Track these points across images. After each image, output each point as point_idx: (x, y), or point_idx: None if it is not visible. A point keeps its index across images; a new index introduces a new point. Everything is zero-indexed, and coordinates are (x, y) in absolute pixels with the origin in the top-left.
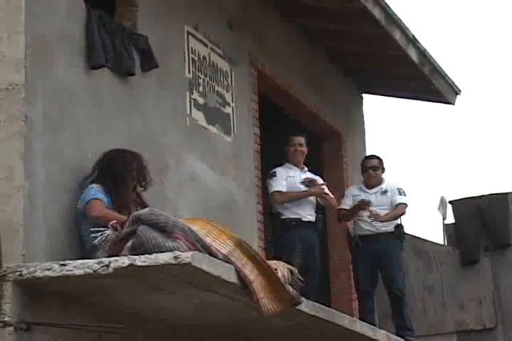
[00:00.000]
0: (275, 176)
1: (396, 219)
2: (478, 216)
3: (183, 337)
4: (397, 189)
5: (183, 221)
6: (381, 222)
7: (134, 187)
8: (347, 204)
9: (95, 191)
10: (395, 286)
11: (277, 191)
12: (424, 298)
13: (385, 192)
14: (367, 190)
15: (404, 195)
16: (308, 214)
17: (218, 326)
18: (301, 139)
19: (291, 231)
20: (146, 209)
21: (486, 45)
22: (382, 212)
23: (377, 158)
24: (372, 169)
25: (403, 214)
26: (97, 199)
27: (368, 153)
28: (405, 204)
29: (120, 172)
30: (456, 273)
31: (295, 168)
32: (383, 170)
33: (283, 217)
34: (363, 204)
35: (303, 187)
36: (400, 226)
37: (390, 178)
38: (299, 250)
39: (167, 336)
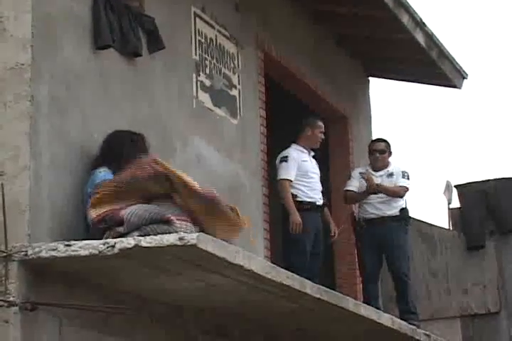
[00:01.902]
0: (286, 162)
1: (392, 196)
2: (483, 200)
3: (189, 319)
4: (402, 172)
5: None
6: (378, 191)
7: None
8: (353, 185)
9: (104, 174)
10: (399, 270)
11: (287, 179)
12: (428, 282)
13: (391, 174)
14: (373, 172)
15: (408, 178)
16: (319, 198)
17: (224, 308)
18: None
19: (306, 214)
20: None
21: (494, 30)
22: (387, 196)
23: (385, 141)
24: (379, 152)
25: (401, 196)
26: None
27: (374, 137)
28: (406, 188)
29: (124, 152)
30: (460, 257)
31: (306, 151)
32: (390, 153)
33: (299, 199)
34: (373, 187)
35: (316, 172)
36: (404, 210)
37: (396, 162)
38: (311, 233)
39: (172, 318)
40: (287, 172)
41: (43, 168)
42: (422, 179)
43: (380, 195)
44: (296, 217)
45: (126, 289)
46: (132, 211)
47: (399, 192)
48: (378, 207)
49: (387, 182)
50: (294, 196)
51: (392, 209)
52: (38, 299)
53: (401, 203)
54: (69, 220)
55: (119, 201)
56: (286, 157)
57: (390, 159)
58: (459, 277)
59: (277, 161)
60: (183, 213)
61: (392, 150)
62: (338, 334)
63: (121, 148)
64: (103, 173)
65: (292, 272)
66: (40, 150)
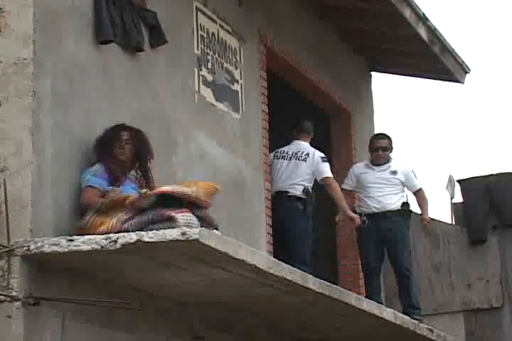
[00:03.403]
0: (327, 162)
1: (428, 206)
2: (486, 195)
3: (193, 314)
4: (412, 172)
5: None
6: (429, 220)
7: (133, 161)
8: (348, 184)
9: (91, 175)
10: (402, 265)
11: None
12: (431, 276)
13: (394, 172)
14: (373, 167)
15: (417, 176)
16: None
17: (228, 303)
18: None
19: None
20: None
21: (496, 24)
22: (390, 190)
23: (387, 137)
24: (382, 149)
25: (428, 200)
26: (90, 186)
27: (377, 132)
28: (422, 189)
29: (108, 146)
30: (463, 252)
31: None
32: (392, 149)
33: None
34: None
35: None
36: (406, 204)
37: (396, 157)
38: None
39: (176, 312)
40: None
41: (46, 163)
42: (424, 174)
43: (381, 189)
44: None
45: (129, 284)
46: (129, 223)
47: (427, 201)
48: (380, 201)
49: (389, 179)
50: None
51: (395, 203)
52: (41, 294)
53: (402, 197)
54: (71, 215)
55: (117, 212)
56: (327, 157)
57: (391, 154)
58: (462, 272)
59: (318, 159)
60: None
61: (393, 145)
62: (341, 328)
63: (106, 144)
64: (90, 175)
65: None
66: (42, 145)
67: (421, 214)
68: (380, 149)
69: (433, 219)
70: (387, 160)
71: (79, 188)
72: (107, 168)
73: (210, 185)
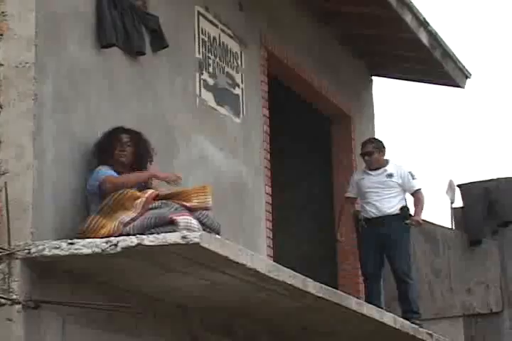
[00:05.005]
0: None
1: (423, 208)
2: (486, 198)
3: (193, 318)
4: (409, 173)
5: None
6: (420, 221)
7: (134, 163)
8: (350, 191)
9: (105, 170)
10: (400, 269)
11: None
12: (431, 281)
13: (390, 175)
14: (370, 172)
15: (416, 177)
16: None
17: (228, 306)
18: None
19: None
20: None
21: (497, 29)
22: (387, 194)
23: (372, 141)
24: (367, 155)
25: (424, 201)
26: (109, 175)
27: (377, 136)
28: (420, 190)
29: (109, 149)
30: (463, 256)
31: None
32: (382, 152)
33: None
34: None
35: None
36: (405, 208)
37: (393, 160)
38: None
39: (177, 316)
40: None
41: (47, 166)
42: (425, 178)
43: (378, 193)
44: None
45: (130, 287)
46: (131, 226)
47: (423, 200)
48: (377, 206)
49: (386, 182)
50: None
51: (393, 207)
52: (42, 297)
53: (401, 201)
54: (72, 218)
55: (118, 214)
56: None
57: (387, 157)
58: (462, 276)
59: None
60: (182, 208)
61: (382, 148)
62: (341, 333)
63: (106, 148)
64: (103, 170)
65: None
66: (44, 148)
67: (413, 215)
68: (365, 155)
69: (433, 224)
70: (381, 163)
71: (82, 192)
72: (112, 169)
73: (200, 190)
